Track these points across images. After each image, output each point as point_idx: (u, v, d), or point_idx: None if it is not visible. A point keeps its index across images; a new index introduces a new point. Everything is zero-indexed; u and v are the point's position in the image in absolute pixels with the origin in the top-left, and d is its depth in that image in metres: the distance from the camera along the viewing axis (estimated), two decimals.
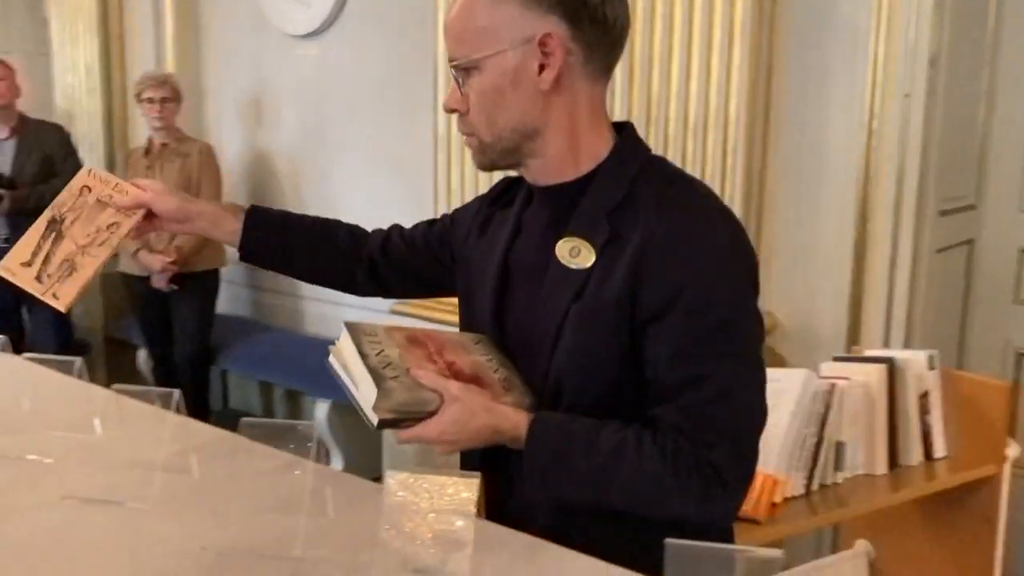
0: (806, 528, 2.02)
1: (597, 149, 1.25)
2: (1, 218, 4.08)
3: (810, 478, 1.97)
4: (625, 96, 3.01)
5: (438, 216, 1.59)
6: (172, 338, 4.26)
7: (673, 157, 2.93)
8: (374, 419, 1.16)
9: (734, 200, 2.86)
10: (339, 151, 4.28)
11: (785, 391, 1.87)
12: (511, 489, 1.26)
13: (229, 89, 4.74)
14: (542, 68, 1.18)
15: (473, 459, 1.30)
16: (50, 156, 4.19)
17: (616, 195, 1.21)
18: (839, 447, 2.02)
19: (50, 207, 1.48)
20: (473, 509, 1.01)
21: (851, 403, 2.01)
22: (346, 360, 1.21)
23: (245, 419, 1.24)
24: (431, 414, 1.17)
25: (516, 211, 1.35)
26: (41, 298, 1.41)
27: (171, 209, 1.45)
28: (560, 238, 1.23)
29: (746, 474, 1.18)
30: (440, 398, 1.18)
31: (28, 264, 1.44)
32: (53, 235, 1.46)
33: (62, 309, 1.42)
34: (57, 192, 4.44)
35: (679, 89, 2.90)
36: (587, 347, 1.20)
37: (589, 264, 1.20)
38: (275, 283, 4.69)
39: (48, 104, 5.05)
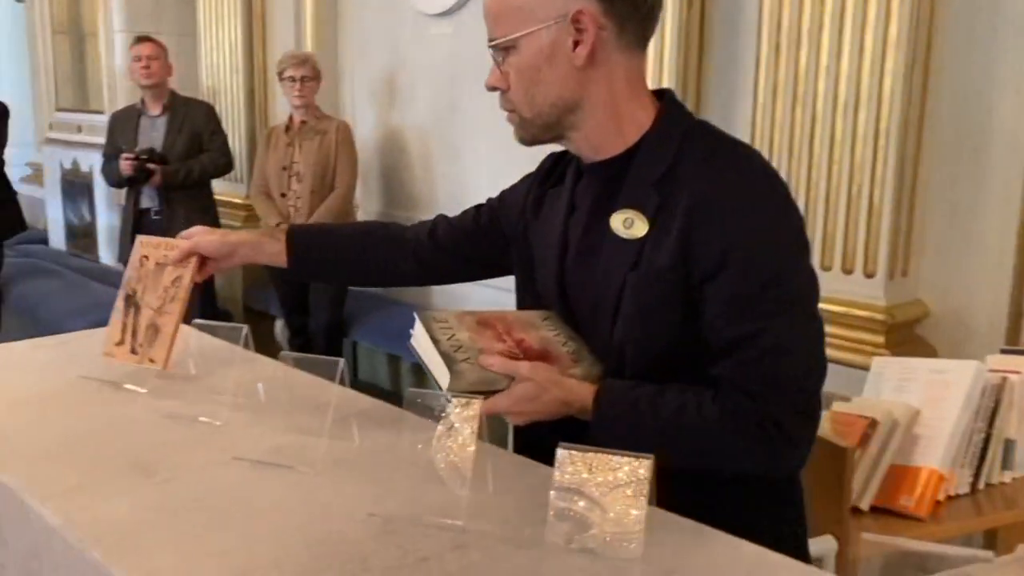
0: (972, 529, 1.92)
1: (640, 119, 1.28)
2: (153, 192, 4.30)
3: (976, 476, 1.87)
4: (770, 72, 2.91)
5: None
6: (308, 310, 4.40)
7: (820, 138, 2.81)
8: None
9: (885, 183, 2.73)
10: (470, 130, 4.31)
11: (953, 383, 1.77)
12: None
13: (364, 68, 4.84)
14: (576, 44, 1.21)
15: (544, 429, 1.31)
16: (198, 132, 4.38)
17: (662, 163, 1.25)
18: (1008, 445, 1.90)
19: (122, 287, 1.66)
20: (646, 490, 0.99)
21: (1023, 398, 1.89)
22: (422, 347, 1.32)
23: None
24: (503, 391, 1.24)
25: (568, 189, 1.38)
26: (141, 365, 1.60)
27: (214, 247, 1.57)
28: (613, 211, 1.26)
29: (808, 426, 1.20)
30: (510, 379, 1.24)
31: (120, 343, 1.64)
32: (132, 310, 1.63)
33: (162, 368, 1.59)
34: (204, 167, 4.68)
35: (829, 65, 2.77)
36: (646, 313, 1.23)
37: (643, 234, 1.24)
38: None
39: (194, 83, 5.28)
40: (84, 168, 6.04)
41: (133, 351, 1.61)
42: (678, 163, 1.24)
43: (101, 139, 5.70)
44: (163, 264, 1.62)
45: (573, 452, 1.03)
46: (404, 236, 1.62)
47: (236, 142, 5.21)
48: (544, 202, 1.45)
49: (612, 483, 1.02)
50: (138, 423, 1.44)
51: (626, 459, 1.01)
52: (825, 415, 1.81)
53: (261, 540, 1.08)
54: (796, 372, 1.18)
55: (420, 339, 1.33)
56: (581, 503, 1.03)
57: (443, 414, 1.17)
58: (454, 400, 1.17)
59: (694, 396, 1.20)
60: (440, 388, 1.26)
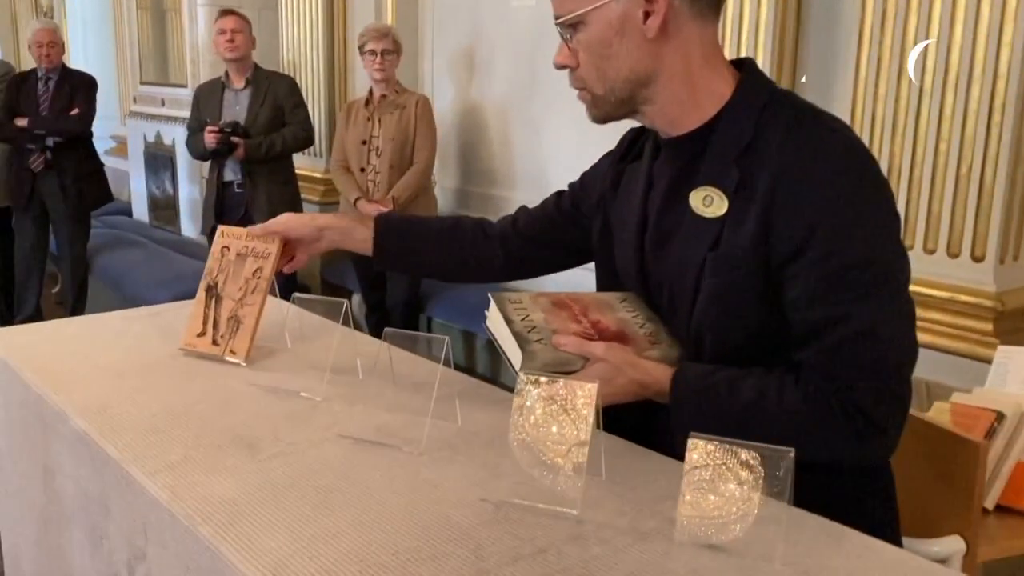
0: None
1: (718, 90, 1.22)
2: (236, 165, 4.33)
3: None
4: (875, 43, 2.77)
5: None
6: (385, 286, 4.40)
7: (929, 113, 2.67)
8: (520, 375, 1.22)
9: (999, 161, 2.58)
10: (550, 105, 4.23)
11: None
12: (665, 443, 1.24)
13: (444, 42, 4.79)
14: (647, 15, 1.17)
15: (624, 414, 1.27)
16: (280, 106, 4.39)
17: (742, 137, 1.19)
18: None
19: (203, 278, 1.65)
20: (786, 486, 0.92)
21: None
22: (495, 327, 1.30)
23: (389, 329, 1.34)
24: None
25: (646, 166, 1.33)
26: (223, 359, 1.58)
27: (303, 229, 1.55)
28: (693, 188, 1.22)
29: (896, 414, 1.14)
30: (584, 360, 1.22)
31: (202, 334, 1.63)
32: (214, 301, 1.63)
33: (242, 363, 1.57)
34: (286, 141, 4.67)
35: (941, 36, 2.62)
36: (726, 295, 1.19)
37: (722, 212, 1.19)
38: None
39: (275, 57, 5.30)
40: (167, 141, 6.14)
41: (214, 342, 1.61)
42: (759, 137, 1.18)
43: (183, 112, 5.78)
44: (244, 255, 1.62)
45: (705, 442, 0.96)
46: (491, 230, 1.58)
47: (316, 116, 5.22)
48: (623, 178, 1.40)
49: (746, 477, 0.95)
50: (239, 397, 1.43)
51: (765, 451, 0.94)
52: (943, 407, 1.71)
53: (372, 523, 1.04)
54: (884, 357, 1.12)
55: (494, 319, 1.31)
56: (712, 497, 0.97)
57: (519, 392, 1.11)
58: (525, 377, 1.11)
59: (775, 381, 1.16)
60: (513, 369, 1.24)
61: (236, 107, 4.39)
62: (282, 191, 4.43)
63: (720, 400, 1.17)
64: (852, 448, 1.14)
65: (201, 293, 1.64)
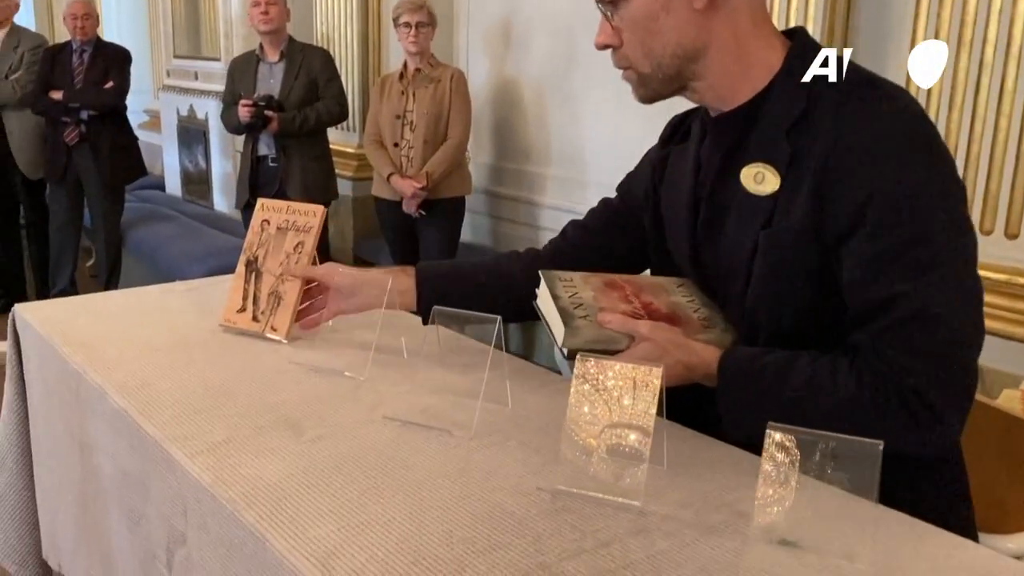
0: None
1: (769, 60, 1.17)
2: (270, 139, 4.28)
3: None
4: (932, 12, 2.65)
5: None
6: (418, 262, 4.35)
7: (988, 88, 2.56)
8: (565, 352, 1.19)
9: None
10: (588, 81, 4.14)
11: None
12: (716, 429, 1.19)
13: (479, 15, 4.70)
14: None
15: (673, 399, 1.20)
16: (315, 79, 4.33)
17: (794, 109, 1.12)
18: None
19: (242, 252, 1.60)
20: (873, 483, 0.86)
21: None
22: (543, 304, 1.27)
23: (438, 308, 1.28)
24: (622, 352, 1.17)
25: (694, 147, 1.27)
26: (264, 335, 1.54)
27: (343, 280, 1.47)
28: (743, 165, 1.16)
29: (959, 401, 1.06)
30: (630, 339, 1.18)
31: (242, 310, 1.58)
32: (253, 275, 1.58)
33: (283, 340, 1.52)
34: (320, 115, 4.58)
35: (1003, 7, 2.50)
36: (779, 275, 1.14)
37: (774, 188, 1.14)
38: (514, 214, 4.68)
39: (308, 30, 5.24)
40: (199, 115, 6.11)
41: (255, 319, 1.56)
42: (812, 108, 1.11)
43: (216, 86, 5.75)
44: (285, 229, 1.58)
45: (783, 432, 0.90)
46: (539, 258, 1.48)
47: (349, 90, 5.16)
48: (668, 161, 1.34)
49: (827, 470, 0.89)
50: (281, 375, 1.38)
51: (851, 443, 0.87)
52: (1013, 394, 1.63)
53: (423, 510, 0.99)
54: (945, 340, 1.05)
55: (543, 295, 1.28)
56: (789, 490, 0.90)
57: (577, 375, 1.06)
58: (583, 359, 1.05)
59: (828, 364, 1.09)
60: (557, 346, 1.21)
61: (271, 80, 4.34)
62: (317, 166, 4.39)
63: (769, 383, 1.11)
64: (909, 437, 1.06)
65: (241, 268, 1.60)
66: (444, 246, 4.27)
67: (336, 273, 1.49)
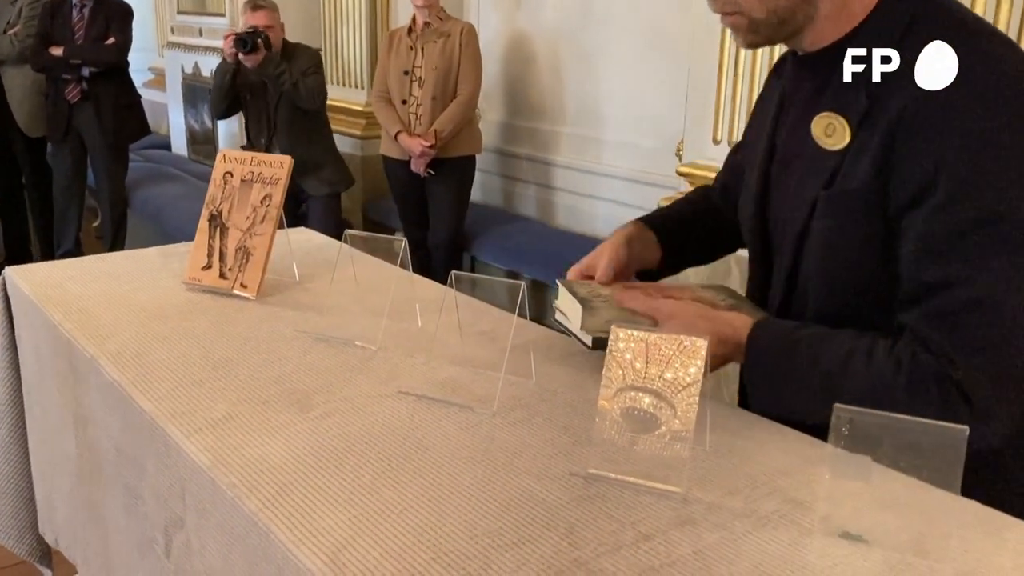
0: None
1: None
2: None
3: None
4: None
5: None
6: (428, 223, 4.24)
7: None
8: (588, 340, 1.13)
9: None
10: (605, 35, 3.99)
11: None
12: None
13: None
14: None
15: None
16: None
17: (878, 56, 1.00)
18: None
19: (204, 207, 1.51)
20: (956, 472, 0.76)
21: None
22: (563, 305, 1.22)
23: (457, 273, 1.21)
24: None
25: (781, 85, 1.17)
26: (232, 292, 1.46)
27: (627, 257, 1.29)
28: (817, 113, 1.06)
29: (1008, 398, 0.95)
30: (652, 321, 1.10)
31: (208, 267, 1.50)
32: (218, 230, 1.50)
33: (253, 297, 1.45)
34: (298, 83, 4.30)
35: None
36: (834, 244, 1.03)
37: (843, 144, 1.02)
38: (527, 174, 4.55)
39: None
40: (205, 72, 5.97)
41: (222, 275, 1.48)
42: (900, 57, 0.99)
43: (221, 43, 5.60)
44: (250, 181, 1.49)
45: (851, 414, 0.79)
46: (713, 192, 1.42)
47: (356, 45, 5.02)
48: (764, 98, 1.25)
49: (899, 457, 0.79)
50: (287, 345, 1.28)
51: (931, 428, 0.77)
52: None
53: (443, 497, 0.90)
54: (1003, 332, 0.93)
55: (562, 299, 1.23)
56: (854, 479, 0.81)
57: (611, 347, 0.96)
58: (617, 329, 0.95)
59: (866, 345, 0.99)
60: (578, 337, 1.15)
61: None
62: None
63: (801, 359, 1.02)
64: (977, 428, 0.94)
65: (204, 223, 1.52)
66: (453, 206, 4.16)
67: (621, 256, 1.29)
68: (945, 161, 0.94)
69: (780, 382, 1.04)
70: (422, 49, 4.03)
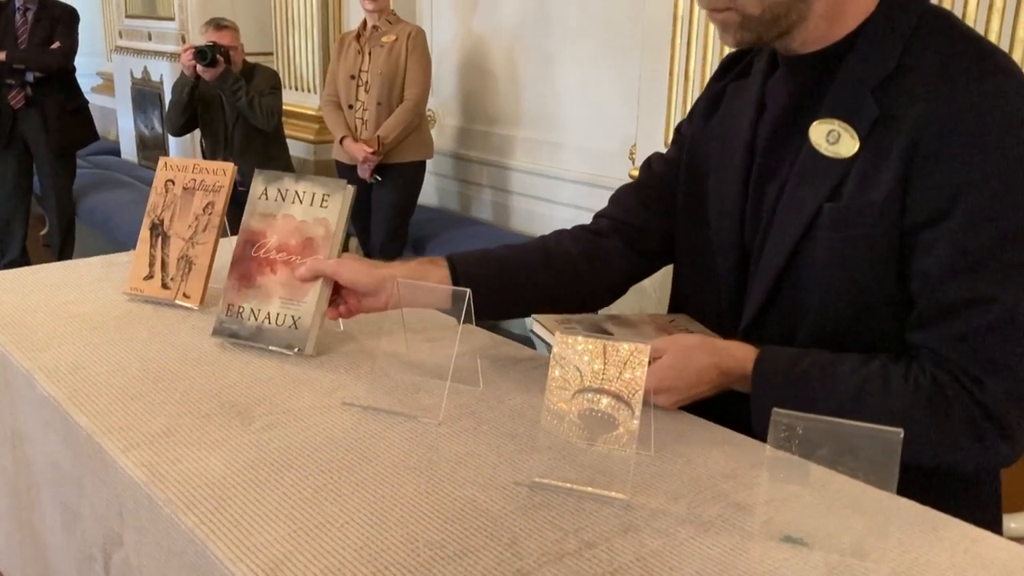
0: None
1: (864, 2, 1.02)
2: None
3: None
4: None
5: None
6: None
7: None
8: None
9: None
10: (559, 36, 4.01)
11: None
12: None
13: None
14: None
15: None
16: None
17: (885, 64, 0.99)
18: None
19: (145, 215, 1.49)
20: (893, 472, 0.76)
21: None
22: (540, 333, 1.21)
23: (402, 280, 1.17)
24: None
25: (758, 83, 1.12)
26: (175, 303, 1.44)
27: (360, 279, 1.19)
28: (815, 118, 1.02)
29: None
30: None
31: (149, 276, 1.47)
32: (160, 239, 1.47)
33: (196, 307, 1.42)
34: (253, 100, 4.27)
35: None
36: (840, 258, 0.99)
37: (850, 153, 1.00)
38: (483, 178, 4.55)
39: None
40: (154, 77, 5.88)
41: (164, 285, 1.46)
42: (906, 65, 0.98)
43: (170, 47, 5.53)
44: (192, 188, 1.46)
45: (790, 419, 0.80)
46: (596, 233, 1.28)
47: (308, 49, 4.98)
48: (723, 99, 1.19)
49: (838, 460, 0.79)
50: (230, 357, 1.26)
51: (866, 431, 0.78)
52: None
53: (385, 510, 0.89)
54: None
55: (536, 328, 1.23)
56: (794, 482, 0.81)
57: (554, 354, 0.96)
58: (562, 336, 0.95)
59: (879, 371, 0.97)
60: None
61: None
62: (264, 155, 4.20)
63: (812, 391, 1.00)
64: (969, 453, 0.96)
65: (145, 232, 1.49)
66: (394, 212, 4.13)
67: (347, 268, 1.20)
68: (972, 181, 0.93)
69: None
70: (369, 53, 4.01)
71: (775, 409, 0.79)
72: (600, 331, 1.19)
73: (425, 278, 1.19)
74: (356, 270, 1.20)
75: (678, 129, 1.29)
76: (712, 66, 2.98)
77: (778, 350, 1.05)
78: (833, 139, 1.01)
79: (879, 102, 0.98)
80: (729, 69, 1.21)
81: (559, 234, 1.30)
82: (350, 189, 1.28)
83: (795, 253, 1.04)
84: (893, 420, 0.90)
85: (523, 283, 1.24)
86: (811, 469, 0.81)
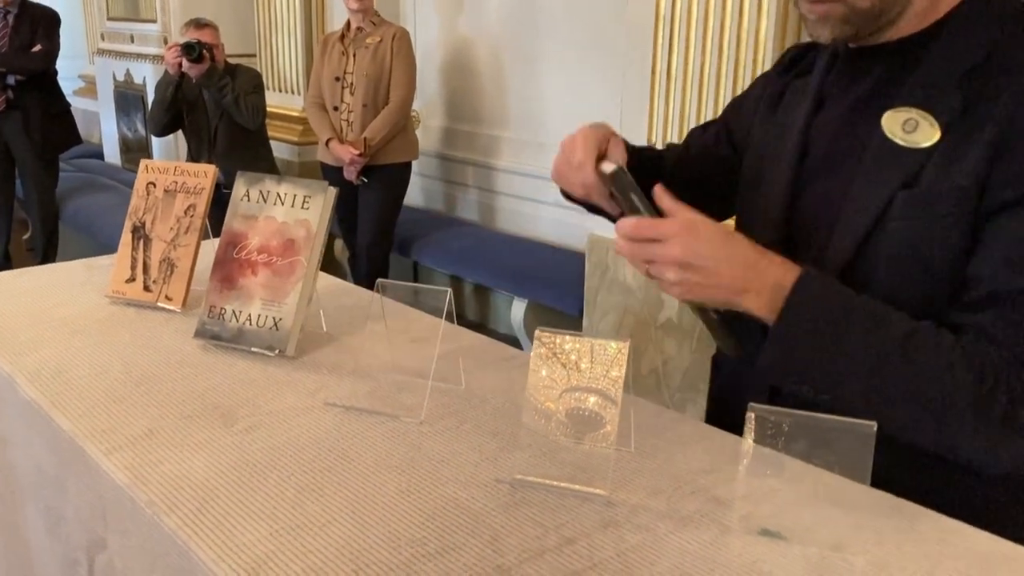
0: None
1: None
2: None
3: None
4: None
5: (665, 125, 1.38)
6: None
7: None
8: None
9: None
10: (544, 37, 4.01)
11: None
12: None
13: None
14: None
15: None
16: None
17: (973, 53, 0.96)
18: None
19: (127, 218, 1.49)
20: (865, 464, 0.77)
21: None
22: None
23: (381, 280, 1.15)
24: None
25: (816, 79, 1.10)
26: (157, 305, 1.44)
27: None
28: (886, 108, 0.99)
29: None
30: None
31: (131, 279, 1.47)
32: (141, 242, 1.47)
33: (178, 310, 1.43)
34: (239, 99, 4.22)
35: None
36: (915, 247, 0.95)
37: (930, 142, 0.95)
38: (469, 178, 4.56)
39: None
40: (137, 80, 5.85)
41: (146, 288, 1.46)
42: (996, 55, 0.95)
43: (153, 49, 5.51)
44: (173, 191, 1.47)
45: (765, 413, 0.81)
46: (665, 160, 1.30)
47: (292, 50, 4.97)
48: (785, 96, 1.16)
49: (813, 453, 0.80)
50: (212, 359, 1.26)
51: (841, 424, 0.79)
52: None
53: (367, 509, 0.89)
54: None
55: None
56: (771, 476, 0.82)
57: (535, 352, 0.96)
58: (540, 334, 0.96)
59: (930, 327, 0.91)
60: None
61: None
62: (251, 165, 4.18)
63: (855, 323, 0.91)
64: (993, 440, 0.89)
65: (127, 235, 1.49)
66: (382, 214, 4.13)
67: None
68: None
69: (822, 354, 0.91)
70: (354, 54, 4.00)
71: (751, 404, 0.80)
72: None
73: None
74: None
75: (732, 108, 1.28)
76: (693, 66, 2.99)
77: (827, 277, 0.96)
78: (911, 127, 0.97)
79: (965, 91, 0.95)
80: (793, 65, 1.17)
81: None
82: (331, 191, 1.28)
83: (864, 243, 0.98)
84: (934, 383, 0.88)
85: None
86: (787, 463, 0.82)
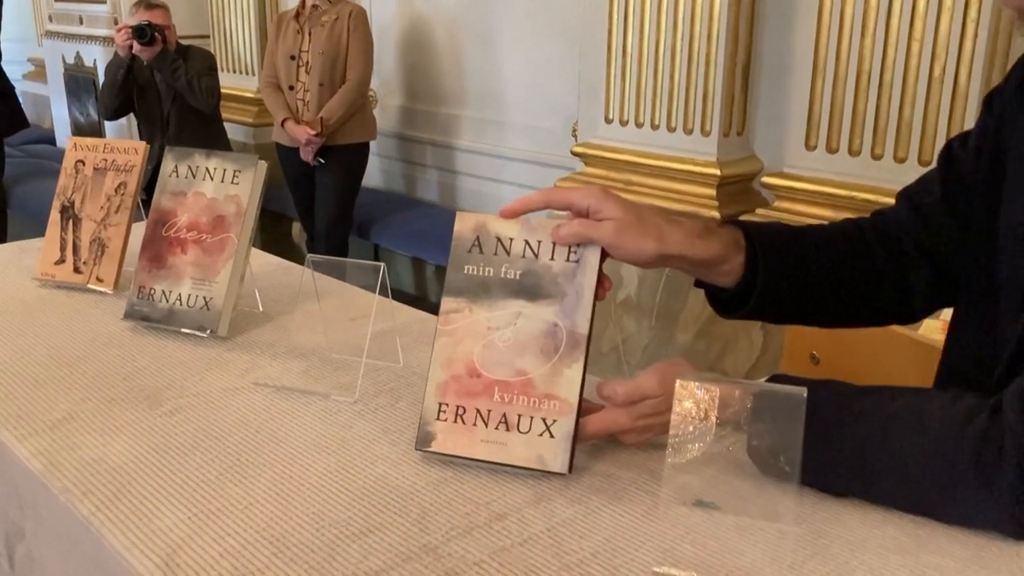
0: None
1: None
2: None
3: None
4: None
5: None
6: None
7: (901, 10, 2.48)
8: None
9: (973, 63, 2.41)
10: (501, 14, 3.97)
11: None
12: None
13: None
14: None
15: None
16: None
17: None
18: None
19: (55, 198, 1.45)
20: (799, 435, 0.75)
21: None
22: None
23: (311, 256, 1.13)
24: None
25: None
26: (88, 287, 1.39)
27: (642, 256, 0.91)
28: None
29: None
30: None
31: (61, 261, 1.42)
32: (71, 222, 1.43)
33: (110, 291, 1.38)
34: (191, 80, 4.18)
35: None
36: None
37: None
38: (429, 158, 4.51)
39: None
40: (87, 62, 5.71)
41: (76, 269, 1.41)
42: None
43: (103, 31, 5.38)
44: (103, 169, 1.42)
45: (694, 383, 0.79)
46: (891, 234, 1.02)
47: (246, 30, 4.88)
48: (994, 134, 0.95)
49: (747, 423, 0.78)
50: (142, 340, 1.22)
51: (773, 392, 0.77)
52: (934, 324, 1.57)
53: (291, 490, 0.86)
54: None
55: None
56: (701, 446, 0.80)
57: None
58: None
59: (935, 395, 0.82)
60: None
61: None
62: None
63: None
64: (999, 514, 0.77)
65: (55, 215, 1.44)
66: (339, 194, 4.08)
67: (625, 239, 0.90)
68: None
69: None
70: (309, 33, 3.93)
71: (679, 374, 0.78)
72: None
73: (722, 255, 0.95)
74: (632, 241, 0.90)
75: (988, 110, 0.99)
76: (648, 43, 2.96)
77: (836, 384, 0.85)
78: None
79: None
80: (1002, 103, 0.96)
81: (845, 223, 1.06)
82: (262, 164, 1.24)
83: None
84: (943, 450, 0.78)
85: (814, 277, 1.00)
86: (718, 431, 0.80)
